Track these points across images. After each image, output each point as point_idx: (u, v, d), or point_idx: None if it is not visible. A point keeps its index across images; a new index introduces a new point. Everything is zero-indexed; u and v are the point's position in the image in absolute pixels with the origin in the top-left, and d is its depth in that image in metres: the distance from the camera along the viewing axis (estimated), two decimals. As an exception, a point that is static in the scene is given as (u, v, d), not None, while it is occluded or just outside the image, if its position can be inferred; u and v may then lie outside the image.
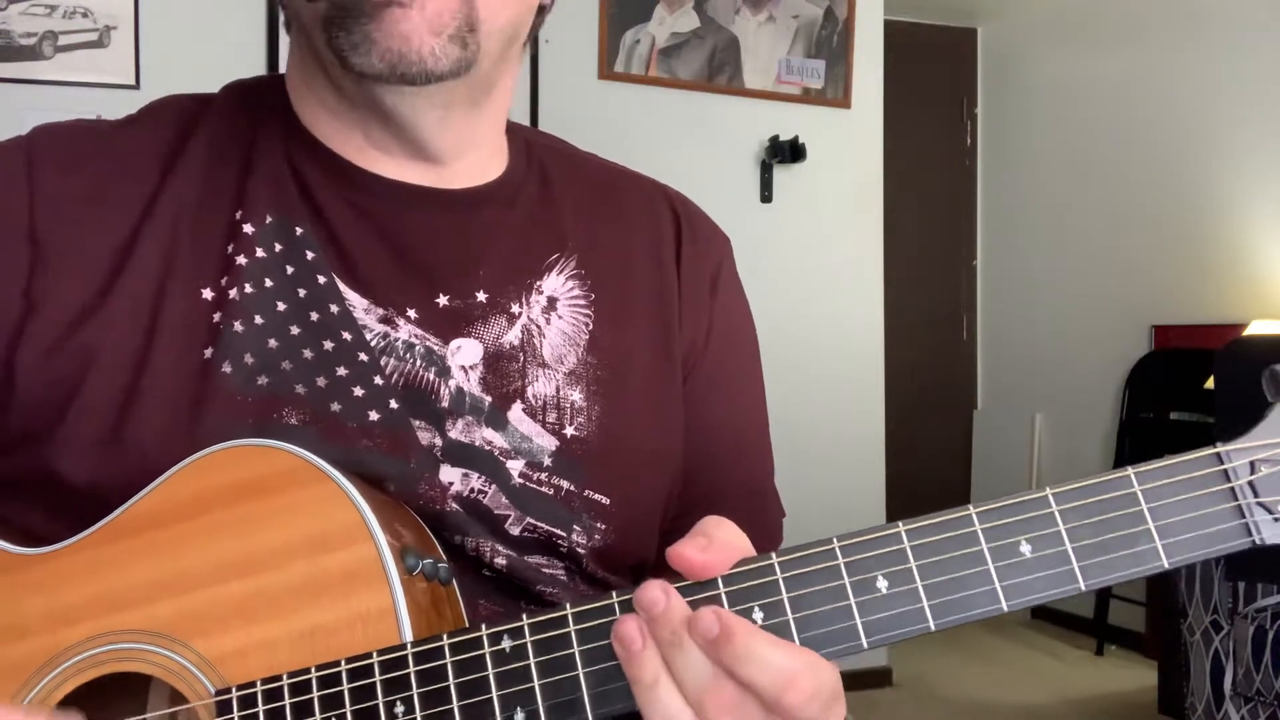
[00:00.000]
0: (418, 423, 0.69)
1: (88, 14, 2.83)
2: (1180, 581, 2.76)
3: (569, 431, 0.72)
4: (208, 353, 0.66)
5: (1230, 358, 2.46)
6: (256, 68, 2.96)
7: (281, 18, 0.79)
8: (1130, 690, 3.71)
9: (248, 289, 0.68)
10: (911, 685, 3.78)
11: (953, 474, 5.03)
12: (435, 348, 0.70)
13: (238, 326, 0.67)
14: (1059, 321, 4.61)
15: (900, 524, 0.52)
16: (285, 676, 0.57)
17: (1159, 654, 3.41)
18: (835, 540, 0.52)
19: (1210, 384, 2.84)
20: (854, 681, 3.62)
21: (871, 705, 3.56)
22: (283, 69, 0.77)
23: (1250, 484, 0.50)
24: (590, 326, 0.75)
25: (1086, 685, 3.82)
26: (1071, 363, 4.51)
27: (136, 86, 2.85)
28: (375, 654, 0.55)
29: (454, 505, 0.67)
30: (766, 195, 3.61)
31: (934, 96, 5.03)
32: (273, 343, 0.67)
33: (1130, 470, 0.51)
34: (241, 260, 0.69)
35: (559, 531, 0.70)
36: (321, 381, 0.67)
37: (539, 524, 0.70)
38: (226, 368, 0.66)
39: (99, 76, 2.83)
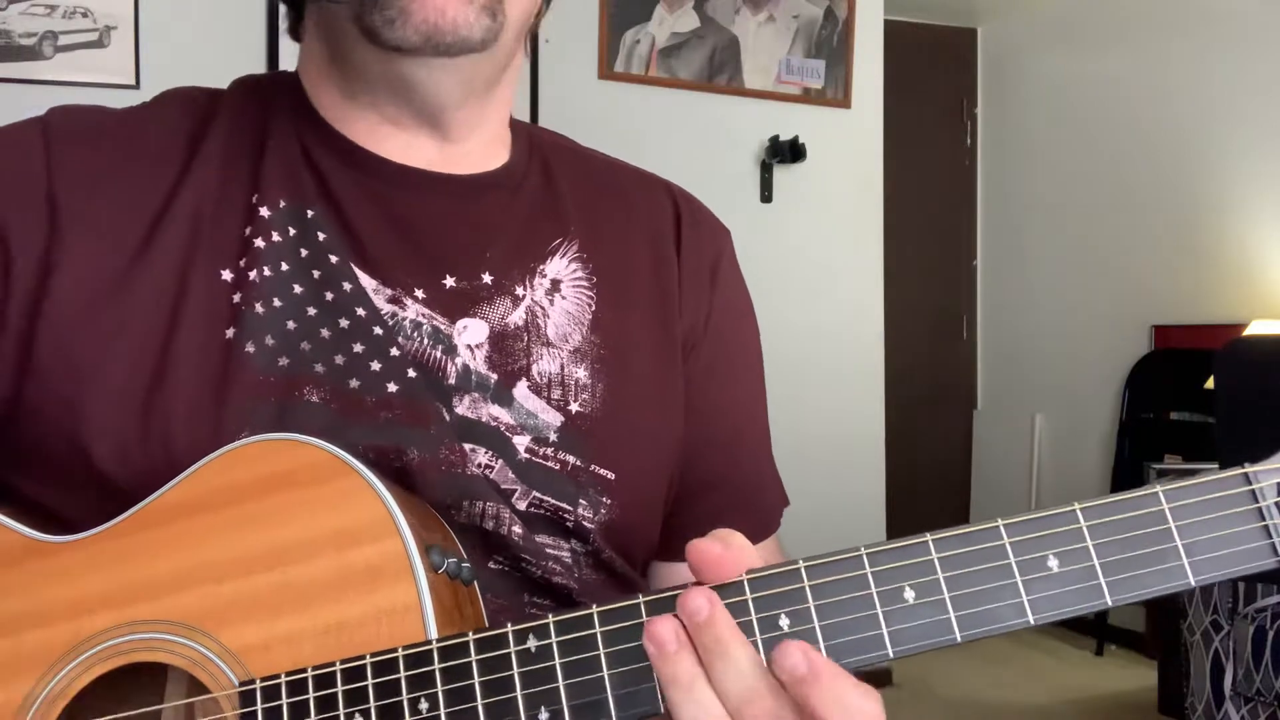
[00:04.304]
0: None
1: (88, 14, 2.83)
2: (1180, 581, 2.76)
3: (574, 408, 0.73)
4: (230, 333, 0.68)
5: (1230, 358, 2.46)
6: (256, 68, 2.95)
7: (283, 23, 0.80)
8: (1130, 690, 3.71)
9: (266, 272, 0.70)
10: (911, 685, 3.78)
11: (953, 474, 5.03)
12: (442, 327, 0.72)
13: (258, 308, 0.68)
14: (1059, 321, 4.61)
15: (928, 535, 0.52)
16: (310, 669, 0.57)
17: (1159, 654, 3.41)
18: (862, 549, 0.52)
19: (1210, 384, 2.84)
20: (854, 681, 3.61)
21: (871, 705, 3.55)
22: (283, 67, 0.78)
23: (1277, 505, 0.50)
24: (593, 307, 0.77)
25: (1086, 685, 3.83)
26: (1071, 363, 4.51)
27: (136, 86, 2.85)
28: (400, 649, 0.55)
29: (474, 470, 0.69)
30: (766, 195, 3.62)
31: (934, 96, 5.03)
32: (291, 324, 0.69)
33: (1159, 488, 0.51)
34: (259, 243, 0.70)
35: (565, 506, 0.71)
36: (339, 359, 0.69)
37: (545, 498, 0.71)
38: (250, 348, 0.67)
39: (99, 76, 2.83)
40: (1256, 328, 3.58)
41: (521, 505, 0.70)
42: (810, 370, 3.58)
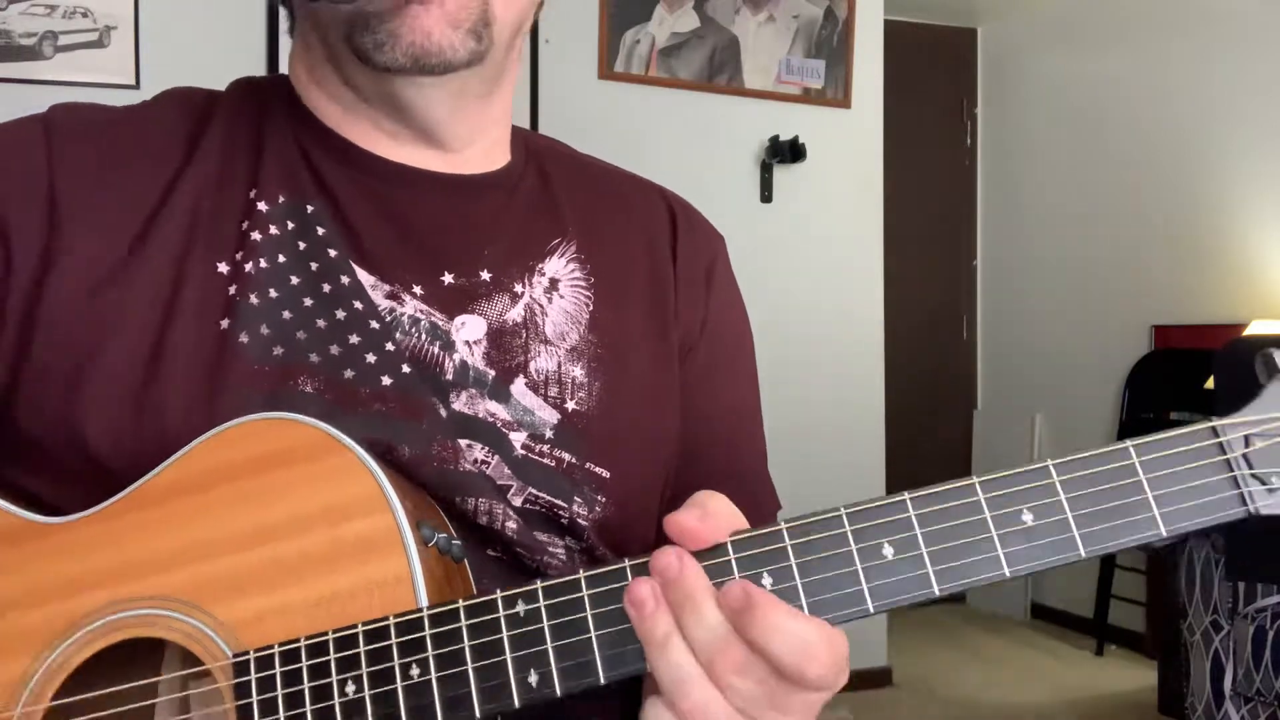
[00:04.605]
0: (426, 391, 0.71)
1: (88, 14, 2.83)
2: (1180, 581, 2.76)
3: (570, 405, 0.74)
4: (224, 324, 0.68)
5: (1230, 358, 2.46)
6: (256, 68, 2.97)
7: (283, 23, 0.81)
8: (1130, 690, 3.71)
9: (262, 264, 0.70)
10: (911, 685, 3.78)
11: (953, 474, 4.94)
12: (440, 323, 0.72)
13: (253, 299, 0.69)
14: (1059, 321, 4.61)
15: (906, 493, 0.54)
16: (302, 639, 0.57)
17: (1159, 654, 3.41)
18: (842, 509, 0.54)
19: (1210, 384, 2.84)
20: (854, 681, 3.60)
21: (871, 705, 3.56)
22: (283, 69, 0.79)
23: (1245, 457, 0.52)
24: (591, 307, 0.78)
25: (1086, 685, 3.83)
26: (1071, 363, 4.51)
27: (136, 86, 2.86)
28: (391, 618, 0.56)
29: (467, 466, 0.69)
30: (766, 195, 3.62)
31: (934, 96, 5.04)
32: (287, 314, 0.70)
33: (1129, 443, 0.53)
34: (256, 236, 0.71)
35: (560, 502, 0.72)
36: (335, 349, 0.69)
37: (540, 494, 0.71)
38: (244, 338, 0.68)
39: (99, 76, 2.83)
40: (1256, 328, 3.58)
41: (517, 501, 0.71)
42: (810, 370, 3.58)
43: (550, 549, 0.72)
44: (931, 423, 4.97)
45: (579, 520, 0.72)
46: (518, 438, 0.72)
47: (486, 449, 0.70)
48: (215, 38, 2.93)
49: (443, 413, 0.70)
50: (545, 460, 0.72)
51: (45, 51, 2.79)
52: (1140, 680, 3.70)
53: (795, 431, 3.40)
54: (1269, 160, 3.78)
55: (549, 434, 0.73)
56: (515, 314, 0.75)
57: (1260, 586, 2.54)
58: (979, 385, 5.09)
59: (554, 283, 0.77)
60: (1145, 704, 3.45)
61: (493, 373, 0.73)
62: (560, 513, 0.72)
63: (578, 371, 0.75)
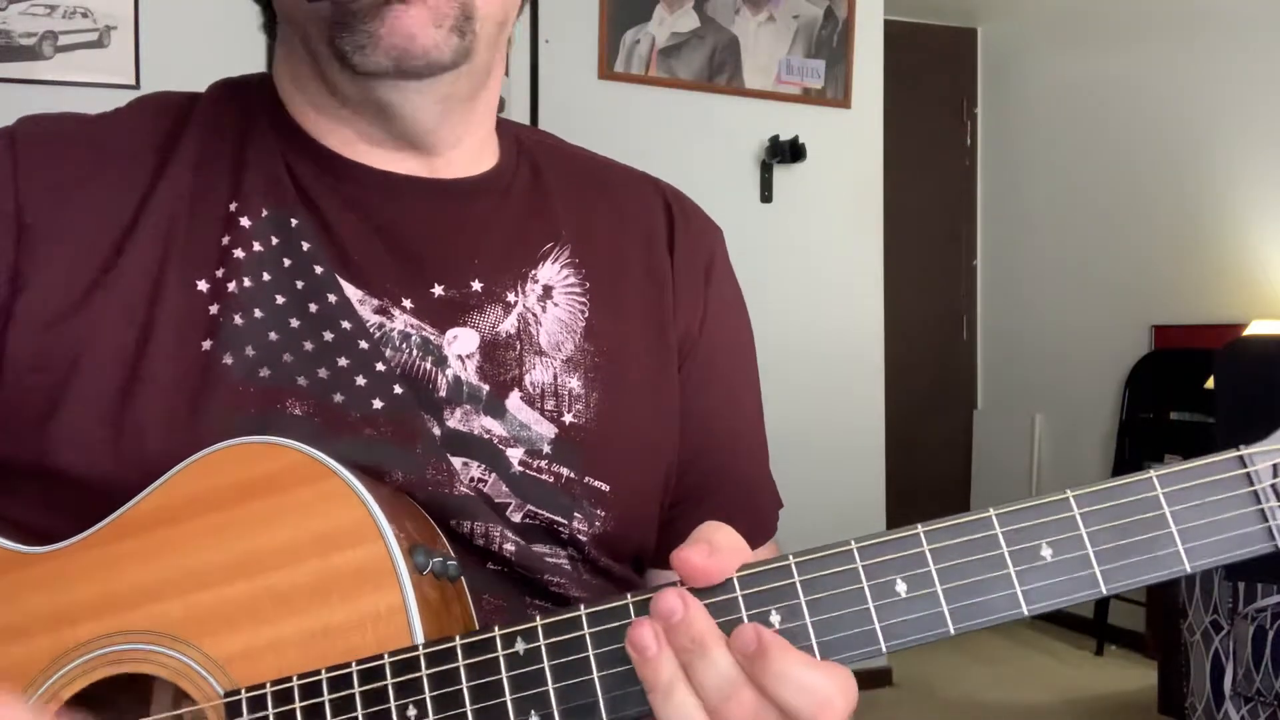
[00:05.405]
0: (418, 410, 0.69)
1: (88, 14, 2.83)
2: (1180, 582, 2.76)
3: (567, 419, 0.72)
4: (206, 344, 0.66)
5: (1230, 358, 2.46)
6: (256, 68, 2.96)
7: (261, 19, 0.78)
8: (1130, 690, 3.71)
9: (246, 283, 0.68)
10: (911, 685, 3.78)
11: (953, 474, 5.03)
12: (432, 338, 0.70)
13: (238, 320, 0.67)
14: (1059, 321, 4.61)
15: (919, 526, 0.51)
16: (295, 678, 0.56)
17: (1159, 654, 3.41)
18: (853, 543, 0.52)
19: (1210, 384, 2.84)
20: (854, 681, 3.61)
21: (871, 705, 3.55)
22: None
23: (1274, 488, 0.50)
24: (586, 314, 0.75)
25: (1086, 685, 3.82)
26: (1071, 363, 4.51)
27: (136, 86, 2.85)
28: (387, 656, 0.55)
29: (462, 489, 0.67)
30: (766, 195, 3.62)
31: (934, 96, 5.03)
32: (273, 335, 0.67)
33: (1152, 473, 0.51)
34: (239, 253, 0.69)
35: (560, 519, 0.70)
36: (323, 373, 0.67)
37: (540, 511, 0.70)
38: (228, 359, 0.66)
39: (99, 76, 2.82)
40: (1256, 328, 3.58)
41: (516, 518, 0.69)
42: (810, 371, 3.58)
43: (553, 560, 0.71)
44: (931, 423, 4.96)
45: (579, 535, 0.71)
46: (515, 454, 0.70)
47: (483, 467, 0.69)
48: (215, 38, 2.92)
49: (436, 432, 0.68)
50: (544, 476, 0.70)
51: (45, 51, 2.79)
52: (1140, 680, 3.70)
53: (795, 432, 3.40)
54: (1269, 160, 3.78)
55: (546, 449, 0.71)
56: (508, 325, 0.72)
57: (1260, 586, 2.53)
58: (979, 385, 5.08)
59: (548, 290, 0.75)
60: (1145, 704, 3.45)
61: (487, 387, 0.70)
62: (560, 528, 0.70)
63: (574, 383, 0.73)
